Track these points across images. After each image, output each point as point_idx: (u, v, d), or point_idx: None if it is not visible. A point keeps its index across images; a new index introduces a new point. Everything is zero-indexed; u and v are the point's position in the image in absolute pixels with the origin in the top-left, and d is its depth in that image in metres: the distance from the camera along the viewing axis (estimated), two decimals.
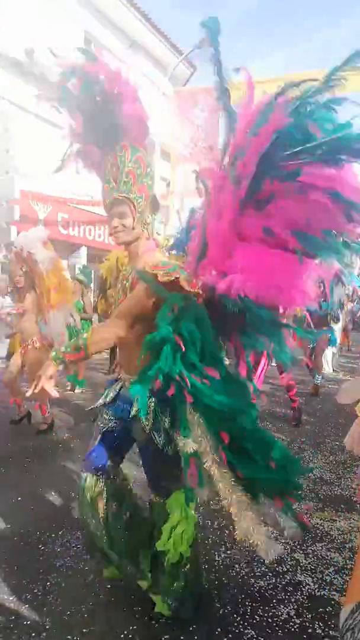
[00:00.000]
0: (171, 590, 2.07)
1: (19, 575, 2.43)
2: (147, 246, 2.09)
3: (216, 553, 2.65)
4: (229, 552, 2.71)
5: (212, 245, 1.82)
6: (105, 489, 2.17)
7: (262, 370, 5.02)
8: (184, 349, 1.74)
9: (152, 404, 1.98)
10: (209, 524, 3.01)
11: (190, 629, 2.06)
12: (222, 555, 2.66)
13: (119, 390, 2.18)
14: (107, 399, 2.20)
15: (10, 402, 5.07)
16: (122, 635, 2.02)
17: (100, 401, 2.23)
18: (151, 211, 2.09)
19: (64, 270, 5.04)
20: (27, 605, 2.21)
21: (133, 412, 2.01)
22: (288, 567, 2.57)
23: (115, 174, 1.99)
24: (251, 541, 1.74)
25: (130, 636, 2.02)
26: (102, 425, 2.20)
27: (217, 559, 2.62)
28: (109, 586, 2.33)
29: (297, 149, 1.57)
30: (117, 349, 2.62)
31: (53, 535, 2.83)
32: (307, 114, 1.60)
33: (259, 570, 2.50)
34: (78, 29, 12.40)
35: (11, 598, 2.26)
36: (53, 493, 3.42)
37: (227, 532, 2.86)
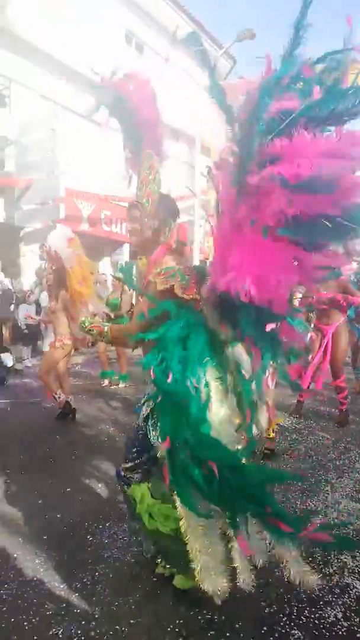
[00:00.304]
0: (178, 561, 2.14)
1: (69, 564, 2.52)
2: (157, 251, 2.13)
3: None
4: (273, 550, 2.68)
5: (218, 244, 1.77)
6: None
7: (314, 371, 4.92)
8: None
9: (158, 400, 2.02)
10: None
11: (237, 625, 2.08)
12: (267, 554, 2.64)
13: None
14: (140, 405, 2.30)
15: (47, 395, 5.34)
16: (168, 629, 2.06)
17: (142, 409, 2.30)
18: (167, 216, 2.15)
19: (92, 269, 5.22)
20: (77, 594, 2.28)
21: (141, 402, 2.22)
22: (335, 568, 2.53)
23: (138, 179, 2.13)
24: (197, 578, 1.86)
25: (176, 630, 2.06)
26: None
27: None
28: (155, 579, 2.38)
29: (269, 136, 1.50)
30: None
31: (100, 526, 2.92)
32: (278, 90, 1.51)
33: None
34: (119, 26, 12.53)
35: (62, 586, 2.35)
36: (100, 485, 3.51)
37: None
